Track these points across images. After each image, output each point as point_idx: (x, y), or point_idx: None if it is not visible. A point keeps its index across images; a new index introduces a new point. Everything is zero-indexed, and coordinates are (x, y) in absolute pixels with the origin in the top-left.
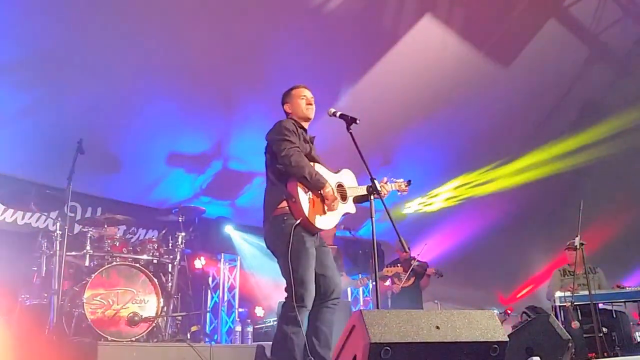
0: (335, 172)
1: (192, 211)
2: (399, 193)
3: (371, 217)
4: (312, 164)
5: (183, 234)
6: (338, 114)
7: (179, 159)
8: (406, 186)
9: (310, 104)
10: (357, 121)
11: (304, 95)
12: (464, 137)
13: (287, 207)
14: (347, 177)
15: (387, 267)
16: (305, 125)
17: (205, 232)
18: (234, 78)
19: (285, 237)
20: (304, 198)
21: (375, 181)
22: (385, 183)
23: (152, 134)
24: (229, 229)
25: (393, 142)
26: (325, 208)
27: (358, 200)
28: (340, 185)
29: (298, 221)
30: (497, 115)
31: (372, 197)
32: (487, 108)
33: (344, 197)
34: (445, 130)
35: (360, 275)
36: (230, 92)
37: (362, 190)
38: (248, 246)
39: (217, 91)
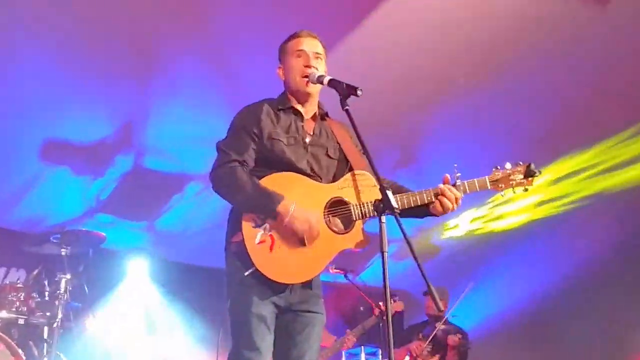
0: (337, 180)
1: (83, 239)
2: (512, 189)
3: (382, 252)
4: (270, 174)
5: (68, 276)
6: (326, 80)
7: (61, 151)
8: (525, 176)
9: (310, 66)
10: (359, 92)
11: (301, 51)
12: (535, 116)
13: (239, 245)
14: (357, 187)
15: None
16: (305, 103)
17: (106, 273)
18: (154, 25)
19: (230, 288)
20: (252, 235)
21: (388, 192)
22: (453, 185)
23: (16, 113)
24: (138, 268)
25: (416, 128)
26: (298, 242)
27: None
28: (337, 202)
29: (247, 273)
30: (592, 81)
31: (382, 217)
32: (575, 70)
33: (346, 222)
34: (502, 108)
35: (347, 331)
36: (149, 46)
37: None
38: (166, 307)
39: (125, 45)
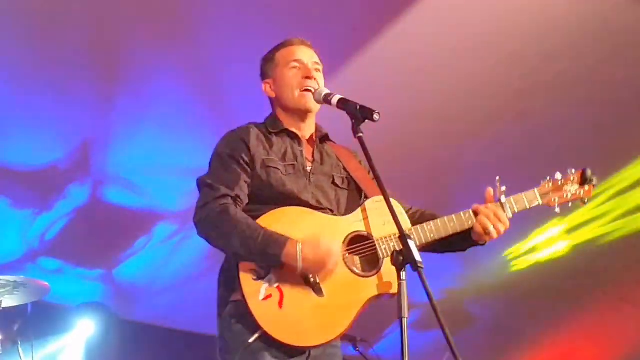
0: (352, 210)
1: (20, 289)
2: (568, 202)
3: (400, 319)
4: (273, 210)
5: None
6: (335, 99)
7: None
8: (583, 182)
9: (310, 78)
10: (375, 116)
11: (298, 61)
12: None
13: (239, 305)
14: (380, 216)
15: None
16: (302, 124)
17: (48, 334)
18: (119, 28)
19: (229, 358)
20: (255, 290)
21: (411, 240)
22: (498, 202)
23: None
24: (94, 329)
25: (449, 163)
26: (313, 293)
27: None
28: (358, 237)
29: (252, 339)
30: None
31: (402, 271)
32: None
33: (371, 261)
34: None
35: None
36: (112, 52)
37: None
38: None
39: (83, 51)
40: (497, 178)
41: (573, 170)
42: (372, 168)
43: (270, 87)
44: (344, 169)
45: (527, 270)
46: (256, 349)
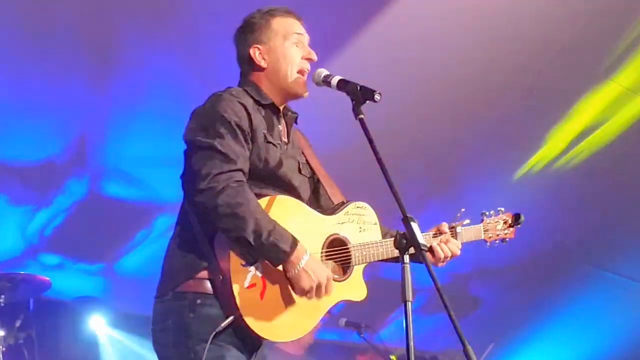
0: (333, 211)
1: (21, 285)
2: (501, 241)
3: (404, 302)
4: (273, 197)
5: (2, 332)
6: (335, 80)
7: None
8: (512, 224)
9: (312, 60)
10: (377, 96)
11: (299, 34)
12: None
13: (207, 283)
14: (357, 222)
15: None
16: (283, 102)
17: (51, 331)
18: (116, 15)
19: (187, 343)
20: (241, 276)
21: (414, 224)
22: (455, 227)
23: None
24: (97, 324)
25: (450, 146)
26: (295, 295)
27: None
28: (338, 240)
29: (224, 323)
30: None
31: (405, 258)
32: None
33: (344, 267)
34: None
35: None
36: (108, 40)
37: (392, 248)
38: None
39: (77, 40)
40: (462, 210)
41: (503, 210)
42: (374, 150)
43: (262, 55)
44: (303, 154)
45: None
46: (223, 341)
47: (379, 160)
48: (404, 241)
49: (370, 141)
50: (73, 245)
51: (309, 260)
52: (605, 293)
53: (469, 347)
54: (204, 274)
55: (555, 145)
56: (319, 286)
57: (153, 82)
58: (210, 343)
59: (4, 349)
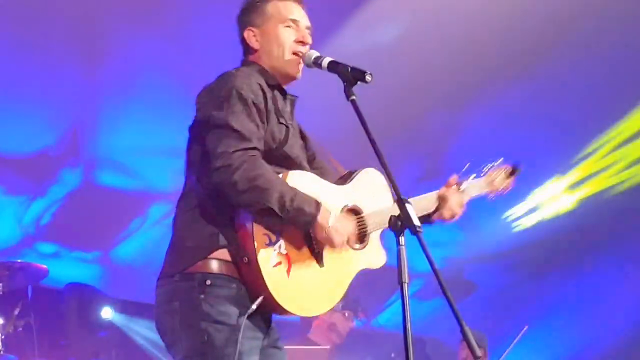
0: (343, 181)
1: (19, 273)
2: (491, 196)
3: (400, 284)
4: (287, 173)
5: (0, 320)
6: (325, 62)
7: None
8: (509, 176)
9: (305, 44)
10: (367, 77)
11: (294, 21)
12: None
13: (214, 263)
14: (368, 189)
15: None
16: (283, 84)
17: (51, 318)
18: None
19: (200, 324)
20: (267, 256)
21: (409, 204)
22: (458, 189)
23: None
24: (96, 310)
25: (443, 131)
26: (315, 263)
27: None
28: (352, 210)
29: (255, 303)
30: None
31: (400, 236)
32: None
33: (361, 236)
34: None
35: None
36: (98, 29)
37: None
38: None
39: (68, 29)
40: (467, 164)
41: (499, 161)
42: (367, 132)
43: (256, 37)
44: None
45: (532, 229)
46: (235, 319)
47: (372, 142)
48: (399, 222)
49: (363, 123)
50: (69, 234)
51: (335, 218)
52: (604, 277)
53: (466, 328)
54: (216, 254)
55: None
56: (342, 242)
57: (144, 74)
58: (224, 324)
59: (3, 336)
